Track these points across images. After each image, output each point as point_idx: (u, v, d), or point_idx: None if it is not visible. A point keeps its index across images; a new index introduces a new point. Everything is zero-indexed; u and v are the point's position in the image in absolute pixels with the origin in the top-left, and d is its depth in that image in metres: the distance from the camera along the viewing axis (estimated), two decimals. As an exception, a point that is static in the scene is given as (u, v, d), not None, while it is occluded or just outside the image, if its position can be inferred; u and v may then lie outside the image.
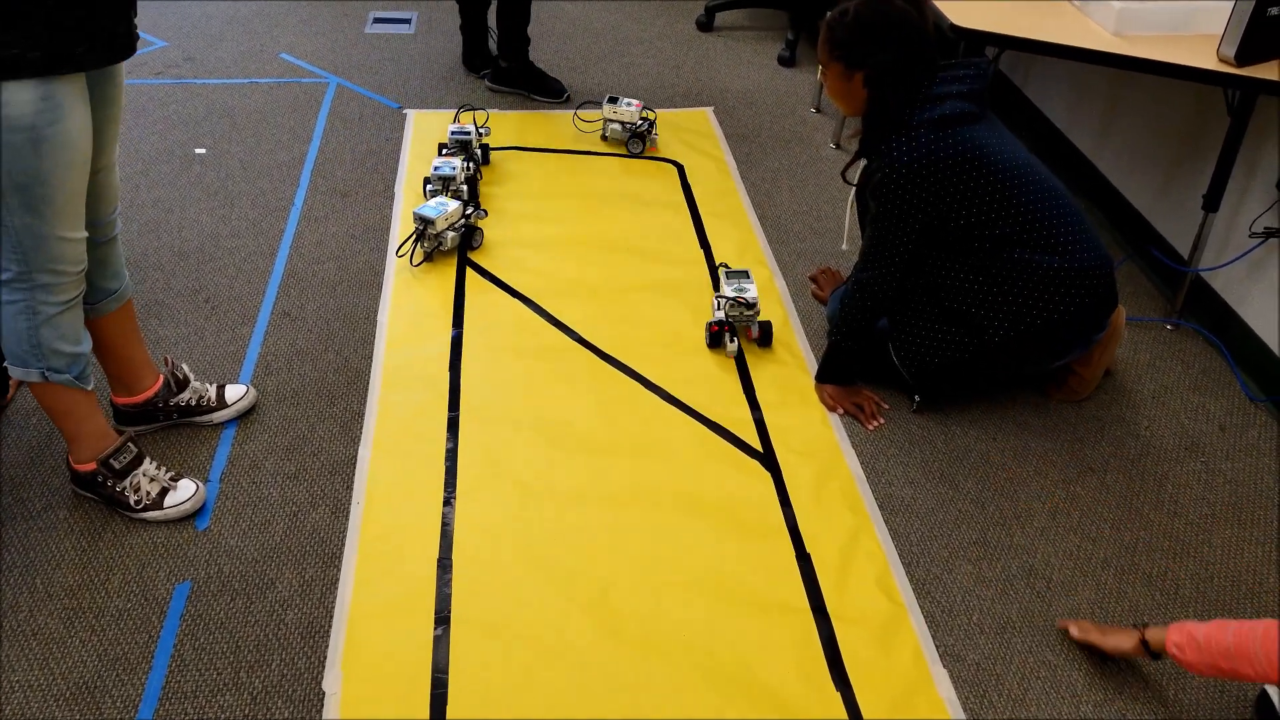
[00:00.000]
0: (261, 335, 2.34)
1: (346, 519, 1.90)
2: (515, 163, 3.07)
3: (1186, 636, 1.49)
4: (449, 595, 1.75)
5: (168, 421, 2.07)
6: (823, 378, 2.24)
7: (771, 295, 2.55)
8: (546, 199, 2.89)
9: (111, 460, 1.85)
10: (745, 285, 2.32)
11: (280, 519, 1.90)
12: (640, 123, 3.09)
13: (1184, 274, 2.51)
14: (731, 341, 2.29)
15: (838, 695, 1.63)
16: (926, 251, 2.04)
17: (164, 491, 1.89)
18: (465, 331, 2.36)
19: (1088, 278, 1.99)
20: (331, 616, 1.72)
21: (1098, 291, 2.02)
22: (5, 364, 1.75)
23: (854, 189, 2.20)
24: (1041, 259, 1.98)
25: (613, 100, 3.10)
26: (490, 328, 2.38)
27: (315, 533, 1.88)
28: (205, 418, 2.08)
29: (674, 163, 3.08)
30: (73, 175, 1.56)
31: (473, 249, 2.64)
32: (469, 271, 2.57)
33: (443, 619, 1.71)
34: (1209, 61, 2.15)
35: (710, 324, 2.30)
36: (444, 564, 1.81)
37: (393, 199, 2.86)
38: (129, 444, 1.88)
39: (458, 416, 2.13)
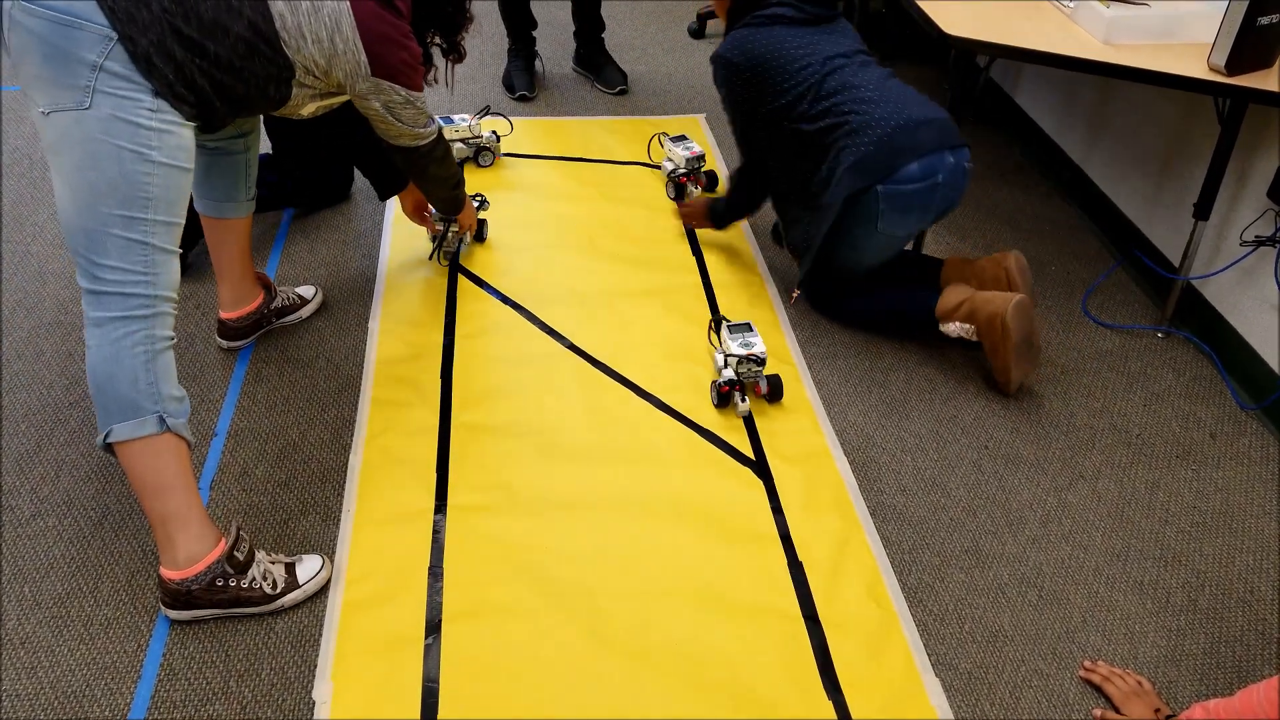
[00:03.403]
0: (253, 342, 2.33)
1: (337, 526, 1.89)
2: (507, 169, 3.07)
3: (1199, 709, 1.50)
4: (440, 603, 1.75)
5: (268, 327, 2.34)
6: (716, 224, 2.74)
7: (763, 301, 2.55)
8: (538, 205, 2.89)
9: (235, 552, 1.67)
10: (751, 340, 2.22)
11: (270, 526, 1.90)
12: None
13: (1175, 282, 2.51)
14: (742, 401, 2.19)
15: (829, 703, 1.62)
16: (764, 134, 2.40)
17: (289, 567, 1.75)
18: (456, 338, 2.36)
19: (867, 131, 2.22)
20: (322, 624, 1.72)
21: (883, 140, 2.21)
22: (112, 428, 1.58)
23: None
24: (825, 126, 2.27)
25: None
26: (481, 334, 2.38)
27: (305, 540, 1.87)
28: (294, 315, 2.39)
29: (666, 169, 3.09)
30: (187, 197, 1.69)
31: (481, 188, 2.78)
32: (460, 278, 2.56)
33: (433, 627, 1.71)
34: (1199, 70, 2.16)
35: (720, 384, 2.19)
36: (435, 572, 1.80)
37: (385, 207, 2.86)
38: (240, 532, 1.71)
39: (449, 423, 2.12)
